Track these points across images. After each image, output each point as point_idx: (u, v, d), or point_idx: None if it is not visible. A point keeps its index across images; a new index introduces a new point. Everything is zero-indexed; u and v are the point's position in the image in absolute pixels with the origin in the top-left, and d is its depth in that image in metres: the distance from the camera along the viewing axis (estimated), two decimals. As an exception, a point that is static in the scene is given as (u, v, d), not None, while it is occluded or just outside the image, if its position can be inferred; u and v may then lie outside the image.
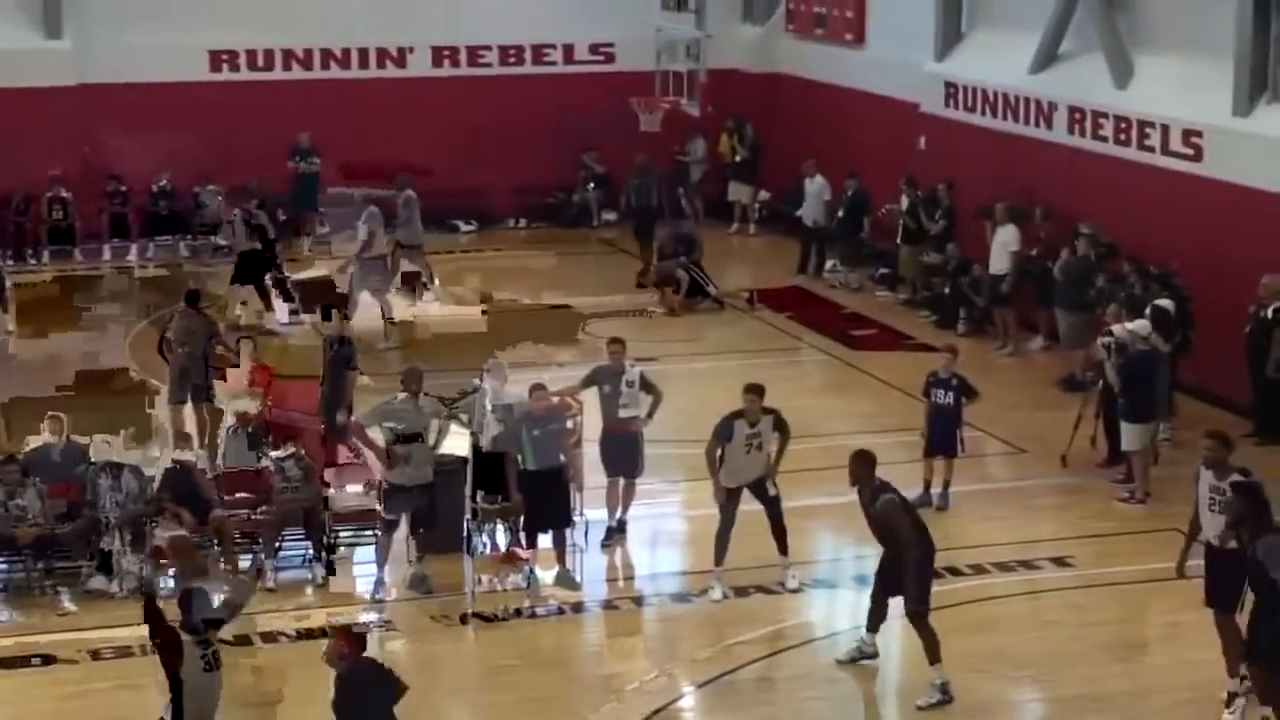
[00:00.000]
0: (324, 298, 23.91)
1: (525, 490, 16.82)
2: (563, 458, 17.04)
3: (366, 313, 25.69)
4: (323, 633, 15.87)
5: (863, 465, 14.92)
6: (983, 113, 27.69)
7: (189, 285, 23.21)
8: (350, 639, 11.94)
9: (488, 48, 34.35)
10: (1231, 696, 13.99)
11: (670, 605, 16.77)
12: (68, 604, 16.43)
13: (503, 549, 17.55)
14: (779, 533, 16.82)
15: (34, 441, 18.07)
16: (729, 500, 16.62)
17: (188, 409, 20.38)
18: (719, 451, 16.52)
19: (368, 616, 16.37)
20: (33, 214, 31.25)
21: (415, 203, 28.25)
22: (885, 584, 14.95)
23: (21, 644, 15.59)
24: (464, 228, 33.72)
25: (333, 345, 19.89)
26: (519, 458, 16.82)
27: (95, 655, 15.26)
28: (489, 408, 17.37)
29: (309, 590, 16.90)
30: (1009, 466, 20.71)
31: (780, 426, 16.68)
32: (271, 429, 18.87)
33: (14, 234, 31.15)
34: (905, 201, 27.86)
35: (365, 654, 11.93)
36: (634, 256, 29.73)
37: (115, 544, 16.72)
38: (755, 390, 16.74)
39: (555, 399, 17.30)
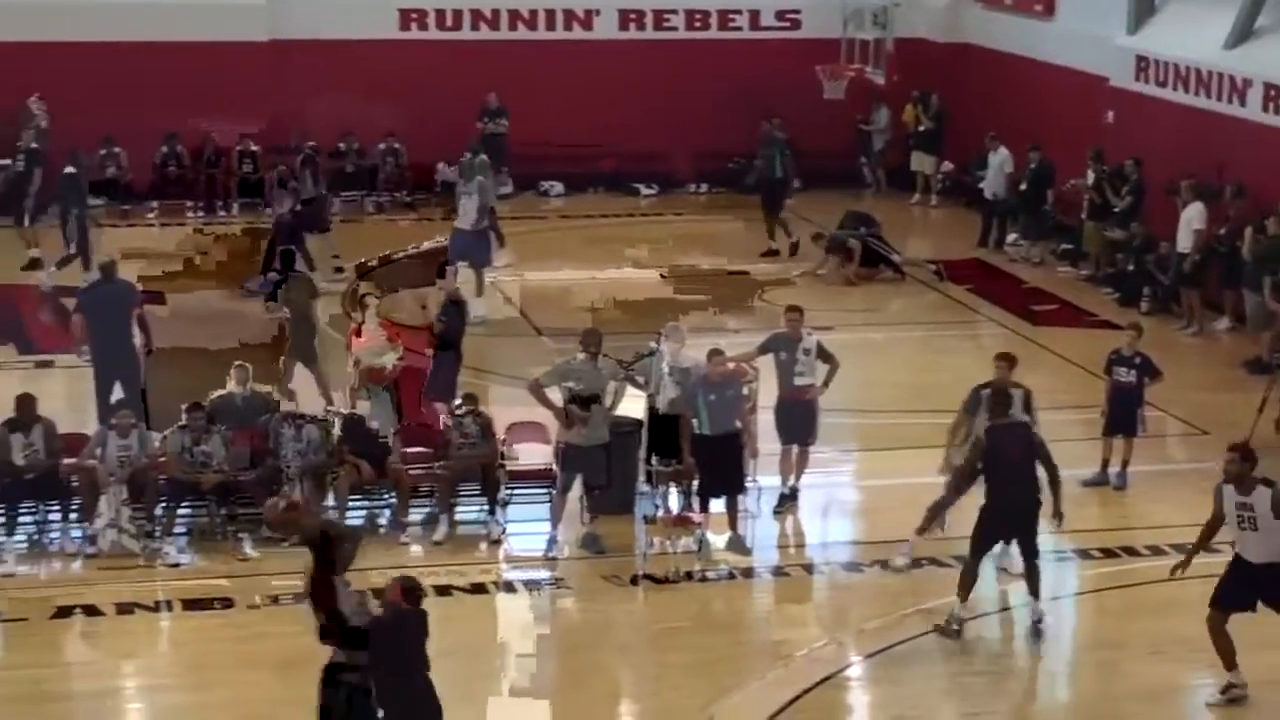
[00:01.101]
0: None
1: (700, 454, 16.85)
2: (738, 424, 17.05)
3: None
4: (496, 587, 16.15)
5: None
6: (1174, 88, 27.20)
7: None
8: (410, 593, 11.92)
9: (674, 11, 34.38)
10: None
11: (841, 574, 16.73)
12: (248, 550, 16.70)
13: (675, 512, 17.60)
14: None
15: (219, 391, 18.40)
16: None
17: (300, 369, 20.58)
18: (965, 426, 16.17)
19: (539, 574, 16.56)
20: (223, 167, 31.89)
21: (487, 165, 28.14)
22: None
23: (203, 587, 15.93)
24: (645, 191, 33.81)
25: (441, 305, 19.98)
26: (695, 422, 16.86)
27: (274, 600, 15.53)
28: (666, 371, 17.40)
29: (482, 546, 17.06)
30: (1190, 448, 20.38)
31: (1029, 404, 16.27)
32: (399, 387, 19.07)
33: (205, 186, 31.82)
34: (1091, 176, 27.47)
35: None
36: (815, 224, 29.57)
37: (295, 493, 16.97)
38: (1006, 359, 16.51)
39: (731, 365, 17.30)
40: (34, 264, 26.32)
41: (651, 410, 17.47)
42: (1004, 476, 14.87)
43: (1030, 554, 15.02)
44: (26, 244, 26.97)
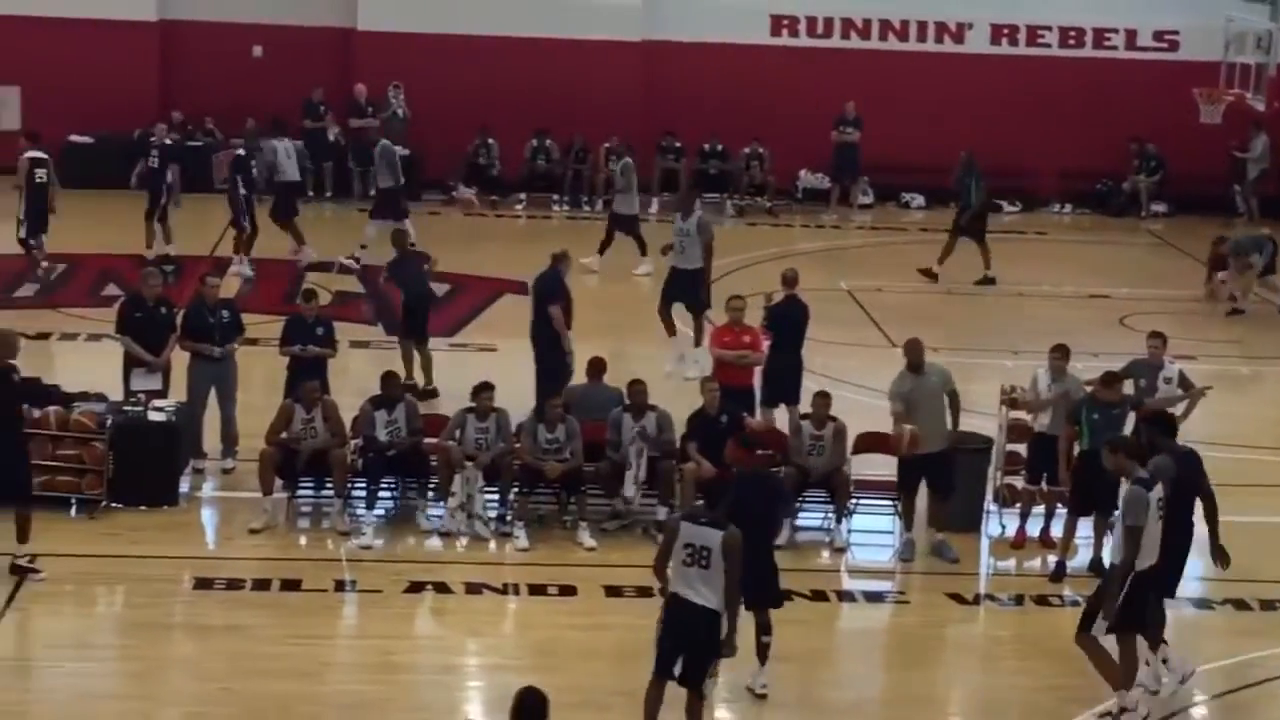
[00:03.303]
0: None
1: (1079, 471, 16.57)
2: None
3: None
4: (837, 596, 16.12)
5: None
6: None
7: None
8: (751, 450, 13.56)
9: (1048, 28, 33.96)
10: None
11: (1189, 609, 16.24)
12: (587, 539, 16.89)
13: (1028, 532, 17.35)
14: None
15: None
16: None
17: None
18: None
19: (881, 586, 16.54)
20: (590, 163, 32.46)
21: (632, 169, 27.77)
22: None
23: (549, 573, 16.20)
24: (1007, 208, 33.40)
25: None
26: (1077, 441, 16.63)
27: (613, 592, 15.73)
28: (1045, 390, 17.19)
29: (825, 554, 17.05)
30: None
31: None
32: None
33: (572, 181, 32.43)
34: None
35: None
36: (1182, 251, 28.86)
37: (633, 485, 17.11)
38: None
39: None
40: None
41: (1018, 426, 17.44)
42: None
43: None
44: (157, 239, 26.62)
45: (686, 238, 22.30)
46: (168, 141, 27.15)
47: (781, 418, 18.89)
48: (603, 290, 25.93)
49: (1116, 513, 13.78)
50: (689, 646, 12.54)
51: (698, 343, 21.63)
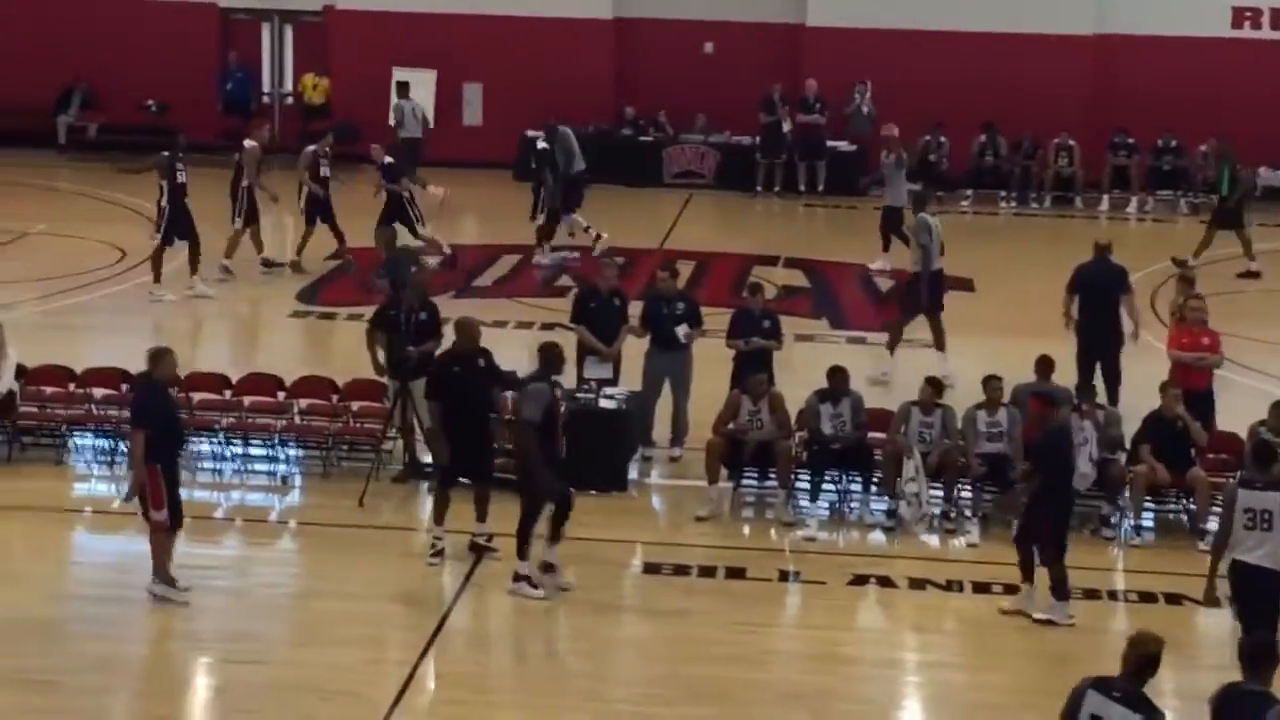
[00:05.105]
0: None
1: None
2: None
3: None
4: None
5: None
6: None
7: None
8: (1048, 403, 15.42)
9: None
10: None
11: None
12: (974, 536, 16.78)
13: None
14: None
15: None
16: None
17: None
18: None
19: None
20: (1039, 159, 32.04)
21: (906, 164, 26.52)
22: None
23: (993, 570, 15.97)
24: None
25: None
26: None
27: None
28: None
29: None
30: None
31: None
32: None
33: (1020, 177, 32.04)
34: None
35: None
36: None
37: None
38: None
39: None
40: None
41: None
42: None
43: None
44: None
45: (916, 247, 21.38)
46: (387, 160, 26.52)
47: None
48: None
49: None
50: (1255, 608, 12.59)
51: (938, 345, 21.03)
